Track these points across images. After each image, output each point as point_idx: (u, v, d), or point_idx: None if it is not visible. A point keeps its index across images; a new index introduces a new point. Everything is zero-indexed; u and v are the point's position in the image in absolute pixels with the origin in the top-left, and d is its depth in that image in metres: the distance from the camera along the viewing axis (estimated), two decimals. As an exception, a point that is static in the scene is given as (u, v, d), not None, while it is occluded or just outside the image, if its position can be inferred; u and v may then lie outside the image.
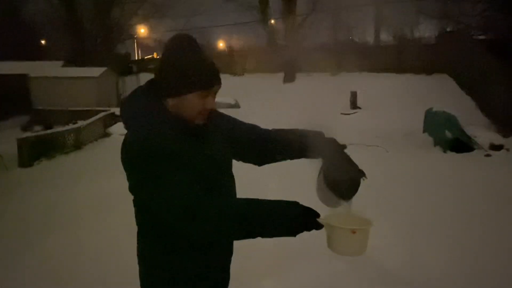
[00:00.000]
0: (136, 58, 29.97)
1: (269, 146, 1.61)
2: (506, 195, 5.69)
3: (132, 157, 1.32)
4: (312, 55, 19.46)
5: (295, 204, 1.30)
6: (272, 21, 23.28)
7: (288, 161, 1.67)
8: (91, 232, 4.72)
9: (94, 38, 22.21)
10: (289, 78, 19.79)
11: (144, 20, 25.68)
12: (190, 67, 1.36)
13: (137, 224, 1.49)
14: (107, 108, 13.77)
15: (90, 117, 12.11)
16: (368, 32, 24.33)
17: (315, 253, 3.79)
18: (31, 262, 4.04)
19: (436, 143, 9.19)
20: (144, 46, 30.22)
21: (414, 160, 8.02)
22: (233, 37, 25.44)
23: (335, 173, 1.41)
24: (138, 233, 1.51)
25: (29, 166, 8.79)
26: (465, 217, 4.92)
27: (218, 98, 1.43)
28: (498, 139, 8.96)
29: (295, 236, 1.28)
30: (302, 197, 1.45)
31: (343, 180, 1.41)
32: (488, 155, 8.34)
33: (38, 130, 12.32)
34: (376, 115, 13.04)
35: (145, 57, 30.27)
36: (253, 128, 1.64)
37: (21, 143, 8.95)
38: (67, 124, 12.13)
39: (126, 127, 1.41)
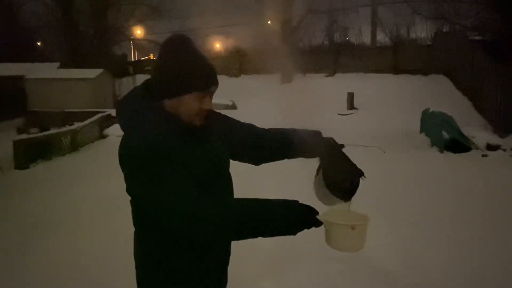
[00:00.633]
0: (133, 60, 29.91)
1: (266, 146, 1.60)
2: (503, 195, 5.71)
3: (130, 159, 1.31)
4: (308, 56, 19.50)
5: (295, 202, 1.31)
6: (269, 22, 23.30)
7: (286, 160, 1.67)
8: (89, 234, 4.70)
9: (90, 39, 22.18)
10: (286, 79, 19.81)
11: (141, 21, 25.69)
12: (187, 68, 1.35)
13: (134, 225, 1.49)
14: (104, 110, 13.73)
15: (87, 118, 12.06)
16: (365, 33, 24.39)
17: (314, 254, 3.79)
18: (29, 264, 4.02)
19: (433, 144, 9.21)
20: (141, 48, 30.14)
21: (411, 160, 8.03)
22: (229, 38, 25.43)
23: (335, 173, 1.40)
24: (135, 234, 1.50)
25: (25, 168, 8.75)
26: (463, 217, 4.93)
27: (215, 99, 1.42)
28: (494, 139, 9.00)
29: (295, 234, 1.29)
30: (300, 195, 1.44)
31: (342, 180, 1.41)
32: (485, 155, 8.37)
33: (34, 132, 12.24)
34: (373, 115, 13.07)
35: (142, 59, 30.21)
36: (250, 127, 1.64)
37: (17, 145, 8.90)
38: (64, 126, 12.08)
39: (123, 129, 1.40)
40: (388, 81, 16.99)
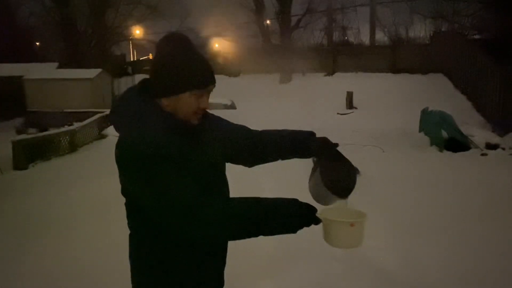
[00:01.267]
0: (132, 60, 29.90)
1: (260, 147, 1.60)
2: (502, 194, 5.70)
3: (129, 158, 1.29)
4: (307, 56, 19.51)
5: (294, 200, 1.31)
6: (268, 22, 23.30)
7: (285, 160, 1.66)
8: (87, 235, 4.69)
9: (89, 39, 22.15)
10: (285, 78, 19.81)
11: (139, 21, 25.64)
12: (185, 66, 1.34)
13: (130, 227, 1.47)
14: (103, 110, 13.71)
15: (85, 119, 12.05)
16: (363, 32, 24.42)
17: (314, 254, 3.79)
18: (27, 265, 4.01)
19: (432, 143, 9.21)
20: (139, 47, 30.13)
21: (411, 159, 8.03)
22: (228, 38, 25.42)
23: (333, 172, 1.40)
24: (131, 236, 1.48)
25: (24, 168, 8.73)
26: (462, 216, 4.92)
27: (214, 99, 1.42)
28: (494, 138, 9.00)
29: (295, 232, 1.29)
30: (299, 195, 1.44)
31: (340, 179, 1.41)
32: (484, 154, 8.37)
33: (33, 132, 12.22)
34: (372, 115, 13.08)
35: (141, 58, 30.19)
36: (243, 129, 1.63)
37: (16, 145, 8.88)
38: (62, 126, 12.06)
39: (120, 127, 1.38)
40: (387, 80, 17.00)
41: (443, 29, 18.32)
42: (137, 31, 27.97)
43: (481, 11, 13.47)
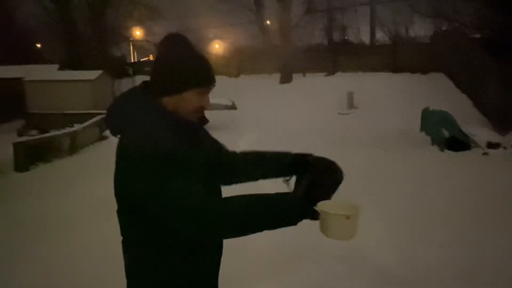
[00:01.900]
0: (132, 61, 29.90)
1: (240, 167, 1.62)
2: (503, 193, 5.70)
3: (133, 158, 1.28)
4: (307, 56, 19.51)
5: (293, 194, 1.34)
6: (268, 22, 23.29)
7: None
8: (88, 236, 4.69)
9: (89, 41, 22.16)
10: (285, 78, 19.79)
11: (139, 22, 25.67)
12: (188, 63, 1.35)
13: (124, 234, 1.45)
14: (103, 111, 13.69)
15: (86, 120, 12.06)
16: (363, 31, 24.39)
17: (314, 254, 3.79)
18: (27, 267, 4.01)
19: (433, 142, 9.21)
20: (140, 49, 30.12)
21: (412, 159, 8.03)
22: (228, 38, 25.44)
23: (319, 191, 1.41)
24: (127, 243, 1.46)
25: (25, 170, 8.73)
26: (464, 215, 4.92)
27: (215, 100, 1.42)
28: (495, 137, 8.98)
29: (296, 224, 1.30)
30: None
31: (328, 194, 1.43)
32: (485, 153, 8.36)
33: (33, 134, 12.25)
34: (373, 114, 13.06)
35: (141, 60, 30.19)
36: (223, 148, 1.63)
37: (16, 147, 8.89)
38: (63, 127, 12.06)
39: (121, 127, 1.36)
40: (388, 80, 17.00)
41: (443, 28, 18.29)
42: (137, 32, 28.00)
43: (481, 10, 13.44)
